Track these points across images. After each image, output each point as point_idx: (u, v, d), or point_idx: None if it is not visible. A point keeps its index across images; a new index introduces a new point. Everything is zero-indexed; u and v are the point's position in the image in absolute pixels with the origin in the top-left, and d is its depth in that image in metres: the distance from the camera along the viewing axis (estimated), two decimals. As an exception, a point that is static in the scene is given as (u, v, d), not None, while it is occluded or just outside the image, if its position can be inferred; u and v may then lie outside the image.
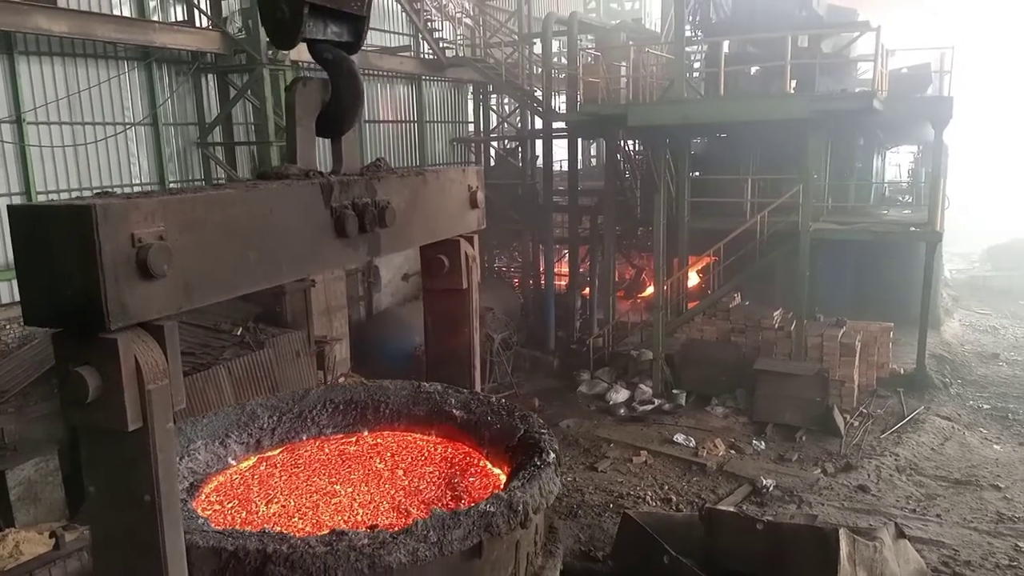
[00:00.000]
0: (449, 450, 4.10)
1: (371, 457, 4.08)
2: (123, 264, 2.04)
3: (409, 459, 4.05)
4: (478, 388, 4.32)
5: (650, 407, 13.87)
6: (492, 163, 20.82)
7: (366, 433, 4.29)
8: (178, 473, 2.39)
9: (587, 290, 19.50)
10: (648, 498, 10.63)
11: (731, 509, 8.56)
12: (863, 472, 11.19)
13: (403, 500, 3.65)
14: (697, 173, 17.65)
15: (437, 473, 3.91)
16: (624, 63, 17.25)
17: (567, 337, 18.33)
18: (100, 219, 1.98)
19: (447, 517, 2.90)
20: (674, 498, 10.64)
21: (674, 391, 14.21)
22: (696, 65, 18.73)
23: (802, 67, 14.42)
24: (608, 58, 17.79)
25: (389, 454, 4.10)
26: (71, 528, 8.72)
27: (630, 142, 18.74)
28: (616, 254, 18.72)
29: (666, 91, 15.92)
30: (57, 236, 2.03)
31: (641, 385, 14.55)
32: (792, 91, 14.19)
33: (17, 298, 10.28)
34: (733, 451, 12.07)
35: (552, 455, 3.51)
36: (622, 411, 13.87)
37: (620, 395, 14.34)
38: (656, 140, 15.19)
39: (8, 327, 10.29)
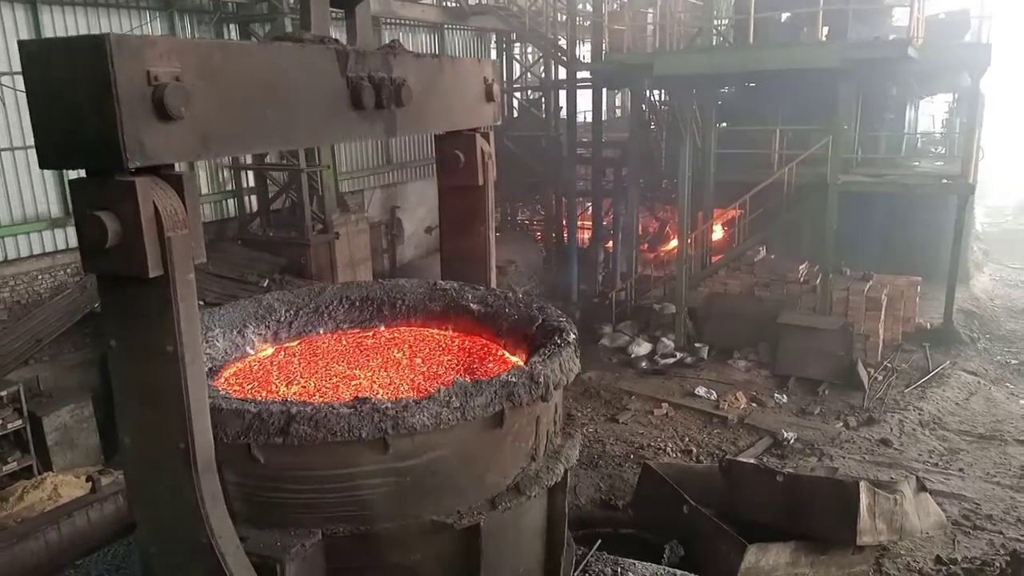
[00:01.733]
0: (467, 342, 4.12)
1: (389, 348, 4.11)
2: (139, 101, 2.01)
3: (427, 350, 4.07)
4: (494, 286, 4.31)
5: (672, 360, 13.90)
6: (515, 114, 20.56)
7: (383, 328, 4.32)
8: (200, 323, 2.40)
9: (610, 243, 19.41)
10: (669, 449, 10.72)
11: (751, 461, 8.63)
12: (886, 426, 11.18)
13: (423, 383, 3.68)
14: (724, 124, 17.33)
15: (455, 361, 3.94)
16: (651, 10, 16.84)
17: (589, 290, 18.33)
18: (115, 50, 1.94)
19: (469, 386, 2.93)
20: (695, 450, 10.73)
21: (696, 344, 14.21)
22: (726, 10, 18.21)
23: (834, 13, 13.95)
24: (634, 5, 17.38)
25: (407, 345, 4.13)
26: (107, 472, 9.01)
27: (656, 92, 18.40)
28: (640, 207, 18.55)
29: (694, 39, 15.56)
30: (71, 70, 1.99)
31: (663, 338, 14.56)
32: (823, 39, 13.79)
33: (48, 249, 10.48)
34: (754, 404, 12.09)
35: (572, 336, 3.52)
36: (644, 364, 13.91)
37: (642, 348, 14.37)
38: (683, 90, 14.89)
39: (40, 277, 10.49)
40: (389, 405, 2.80)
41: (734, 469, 7.97)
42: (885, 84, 16.41)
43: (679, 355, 14.03)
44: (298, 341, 4.16)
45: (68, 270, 10.74)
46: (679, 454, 10.62)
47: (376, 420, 2.74)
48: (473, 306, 4.13)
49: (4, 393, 9.23)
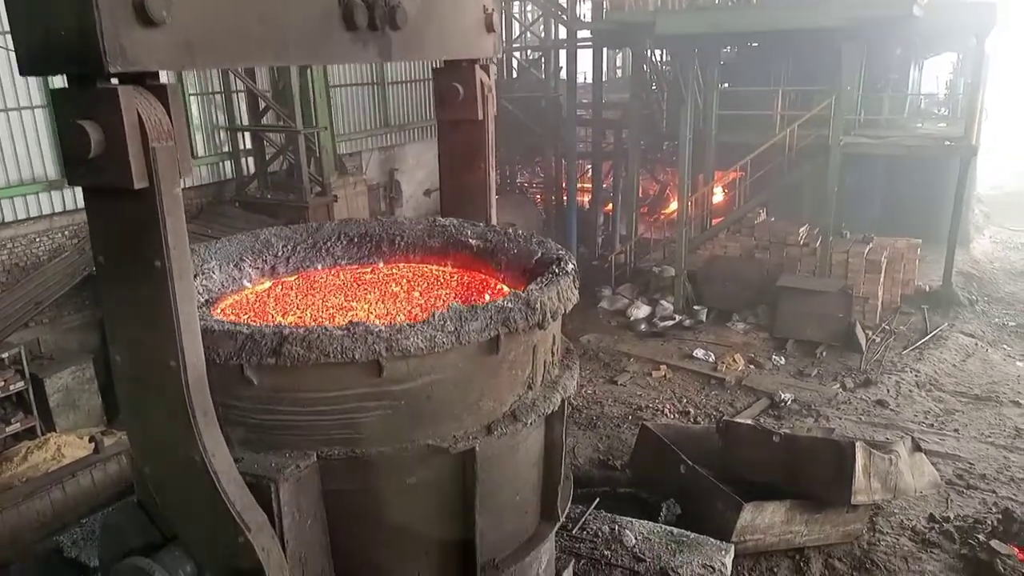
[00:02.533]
0: (466, 277, 4.11)
1: (387, 283, 4.11)
2: (119, 3, 1.98)
3: (425, 284, 4.07)
4: (494, 223, 4.24)
5: (671, 323, 13.94)
6: (514, 75, 20.33)
7: (381, 264, 4.29)
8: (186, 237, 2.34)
9: (610, 206, 19.34)
10: (666, 411, 10.81)
11: (748, 422, 8.72)
12: (882, 387, 11.26)
13: (419, 314, 3.66)
14: (726, 85, 17.14)
15: (454, 294, 3.94)
16: (652, -32, 16.47)
17: (589, 253, 18.31)
18: None
19: (465, 310, 2.92)
20: (692, 411, 10.82)
21: (695, 307, 14.25)
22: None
23: (839, -29, 13.72)
24: (636, -38, 17.02)
25: (405, 280, 4.12)
26: (109, 433, 9.10)
27: (657, 52, 18.16)
28: (640, 169, 18.44)
29: (696, -3, 15.31)
30: None
31: (662, 301, 14.59)
32: (828, -3, 13.54)
33: (45, 211, 10.44)
34: (752, 366, 12.17)
35: (571, 266, 3.49)
36: (643, 327, 13.96)
37: (641, 311, 14.41)
38: (684, 50, 14.70)
39: (38, 240, 10.47)
40: (383, 328, 2.78)
41: (731, 430, 8.05)
42: (889, 44, 16.20)
43: (678, 318, 14.07)
44: (295, 276, 4.14)
45: (66, 232, 10.72)
46: (677, 415, 10.72)
47: (369, 342, 2.72)
48: (472, 241, 4.08)
49: (5, 355, 9.29)
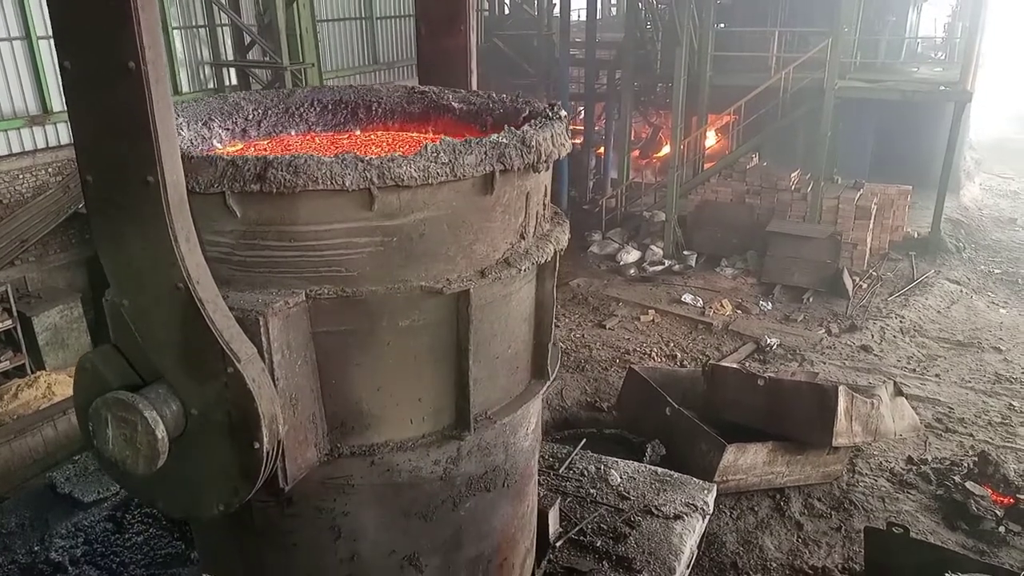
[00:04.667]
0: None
1: (366, 147, 3.93)
2: None
3: (406, 148, 3.86)
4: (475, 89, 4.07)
5: (660, 268, 13.99)
6: (506, 11, 19.85)
7: (358, 132, 4.11)
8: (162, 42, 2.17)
9: (601, 149, 19.15)
10: (654, 354, 10.93)
11: (734, 366, 8.82)
12: (867, 333, 11.40)
13: None
14: (722, 25, 16.82)
15: None
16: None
17: (579, 197, 18.19)
18: None
19: (459, 143, 2.81)
20: (679, 355, 10.93)
21: (685, 252, 14.27)
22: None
23: (842, -93, 13.36)
24: None
25: (385, 145, 3.95)
26: (99, 372, 9.11)
27: (653, -10, 17.73)
28: (633, 112, 18.21)
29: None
30: None
31: (652, 246, 14.60)
32: (829, -66, 13.22)
33: (27, 147, 10.24)
34: (740, 311, 12.26)
35: (564, 112, 3.37)
36: (632, 271, 14.00)
37: (631, 256, 14.43)
38: (680, -12, 14.36)
39: (21, 177, 10.29)
40: (374, 157, 2.67)
41: (717, 373, 8.16)
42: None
43: (667, 263, 14.11)
44: (268, 140, 3.97)
45: (49, 169, 10.53)
46: (664, 359, 10.84)
47: (360, 169, 2.60)
48: (455, 105, 3.90)
49: (-8, 293, 9.23)
